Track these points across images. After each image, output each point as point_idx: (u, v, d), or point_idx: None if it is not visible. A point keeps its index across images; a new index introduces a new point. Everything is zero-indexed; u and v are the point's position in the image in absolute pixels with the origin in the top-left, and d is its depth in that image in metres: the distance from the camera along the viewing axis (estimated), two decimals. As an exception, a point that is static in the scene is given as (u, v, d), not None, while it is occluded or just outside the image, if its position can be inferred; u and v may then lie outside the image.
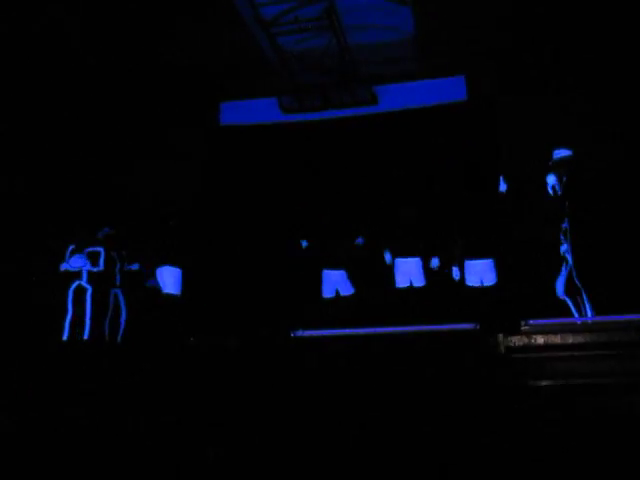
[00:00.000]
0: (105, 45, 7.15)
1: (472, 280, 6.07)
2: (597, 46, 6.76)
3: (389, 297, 6.45)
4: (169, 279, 6.40)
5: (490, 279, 6.05)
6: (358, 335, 5.25)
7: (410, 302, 6.29)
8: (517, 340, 4.32)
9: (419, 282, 6.34)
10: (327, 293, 6.44)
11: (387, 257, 6.45)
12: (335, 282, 6.44)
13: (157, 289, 6.50)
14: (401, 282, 6.36)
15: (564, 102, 6.93)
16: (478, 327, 5.06)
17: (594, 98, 6.85)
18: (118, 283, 6.37)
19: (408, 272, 6.34)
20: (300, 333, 5.28)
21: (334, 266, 6.43)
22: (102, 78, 7.60)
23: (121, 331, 6.33)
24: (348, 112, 7.67)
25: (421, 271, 6.34)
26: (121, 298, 6.39)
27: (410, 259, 6.34)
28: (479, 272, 6.06)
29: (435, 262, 6.37)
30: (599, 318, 5.09)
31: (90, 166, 7.84)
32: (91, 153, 7.88)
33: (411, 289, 6.33)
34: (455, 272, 6.21)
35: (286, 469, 3.36)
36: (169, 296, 6.40)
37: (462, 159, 7.32)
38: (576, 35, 6.70)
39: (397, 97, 7.68)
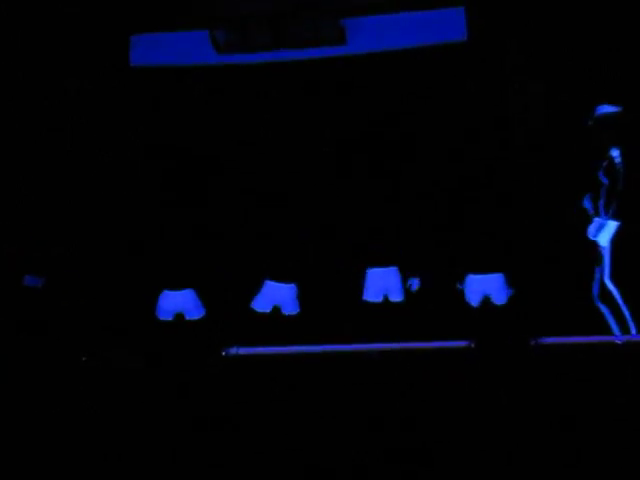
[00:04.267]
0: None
1: (474, 299, 5.35)
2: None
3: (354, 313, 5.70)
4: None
5: (499, 298, 5.23)
6: (303, 353, 4.99)
7: (383, 318, 5.53)
8: (523, 363, 4.16)
9: (396, 296, 5.56)
10: (261, 307, 5.72)
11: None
12: (277, 297, 5.70)
13: (35, 289, 5.86)
14: (372, 296, 5.59)
15: (593, 41, 5.64)
16: (473, 345, 4.63)
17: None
18: None
19: (382, 285, 5.62)
20: (234, 351, 5.20)
21: (278, 278, 5.70)
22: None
23: None
24: (306, 53, 6.40)
25: (399, 283, 5.60)
26: None
27: (385, 268, 5.60)
28: (483, 289, 5.36)
29: (415, 282, 5.65)
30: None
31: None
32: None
33: (385, 304, 5.59)
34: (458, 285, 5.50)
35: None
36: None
37: (459, 121, 6.13)
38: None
39: (372, 34, 6.51)
